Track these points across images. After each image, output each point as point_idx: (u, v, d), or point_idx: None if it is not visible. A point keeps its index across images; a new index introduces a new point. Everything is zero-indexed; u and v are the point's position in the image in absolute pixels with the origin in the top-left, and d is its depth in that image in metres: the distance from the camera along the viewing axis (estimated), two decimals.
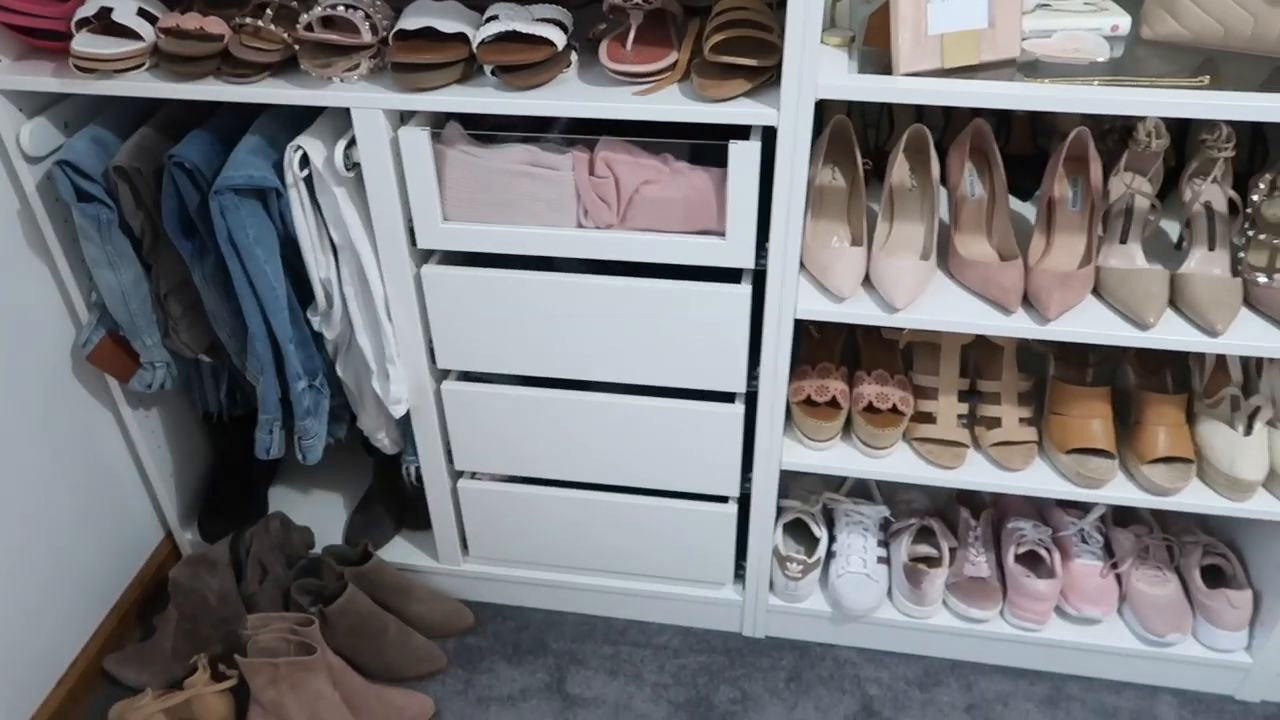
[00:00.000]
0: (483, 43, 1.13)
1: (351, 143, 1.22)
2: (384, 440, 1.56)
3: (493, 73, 1.17)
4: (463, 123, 1.26)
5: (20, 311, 1.38)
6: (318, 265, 1.33)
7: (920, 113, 1.50)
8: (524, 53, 1.13)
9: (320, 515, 1.78)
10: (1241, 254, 1.24)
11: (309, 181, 1.25)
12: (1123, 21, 1.15)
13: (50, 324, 1.45)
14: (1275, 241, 1.23)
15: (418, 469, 1.58)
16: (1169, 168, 1.37)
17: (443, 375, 1.46)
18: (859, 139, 1.38)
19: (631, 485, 1.50)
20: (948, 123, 1.50)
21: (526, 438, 1.47)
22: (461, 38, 1.16)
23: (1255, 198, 1.25)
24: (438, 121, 1.25)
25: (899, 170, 1.32)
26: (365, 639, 1.55)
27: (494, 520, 1.60)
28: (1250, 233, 1.24)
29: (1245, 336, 1.18)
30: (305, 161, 1.22)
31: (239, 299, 1.32)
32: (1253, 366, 1.38)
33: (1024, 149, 1.50)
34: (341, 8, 1.15)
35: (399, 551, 1.73)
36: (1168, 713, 1.52)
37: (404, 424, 1.53)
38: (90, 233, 1.30)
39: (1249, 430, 1.33)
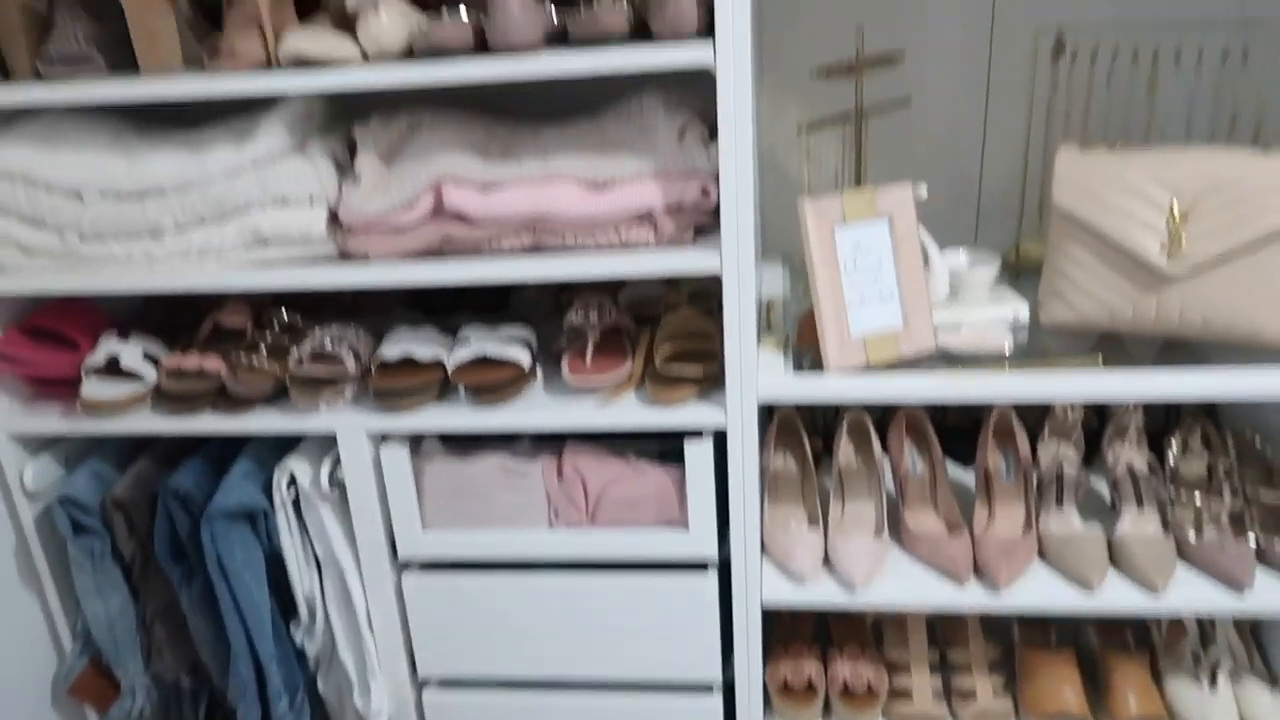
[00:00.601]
0: (457, 367, 1.26)
1: (336, 463, 1.31)
2: None
3: (466, 392, 1.28)
4: (439, 436, 1.37)
5: (5, 645, 1.40)
6: (302, 581, 1.37)
7: None
8: (494, 373, 1.26)
9: None
10: (1169, 511, 1.33)
11: (296, 502, 1.33)
12: (1021, 311, 1.31)
13: (35, 656, 1.46)
14: (1197, 499, 1.32)
15: None
16: (1093, 430, 1.49)
17: (423, 685, 1.46)
18: (807, 421, 1.49)
19: None
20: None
21: None
22: (437, 363, 1.29)
23: (1170, 459, 1.36)
24: (416, 437, 1.35)
25: (845, 453, 1.43)
26: None
27: None
28: (1173, 491, 1.34)
29: (1185, 592, 1.24)
30: (293, 482, 1.31)
31: (224, 620, 1.35)
32: (1209, 620, 1.43)
33: (961, 421, 1.62)
34: (329, 343, 1.28)
35: None
36: None
37: None
38: (83, 563, 1.35)
39: (1214, 685, 1.35)
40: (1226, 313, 1.14)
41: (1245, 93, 1.37)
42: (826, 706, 1.44)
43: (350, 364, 1.29)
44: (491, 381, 1.25)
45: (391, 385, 1.26)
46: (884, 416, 1.48)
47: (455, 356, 1.28)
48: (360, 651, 1.40)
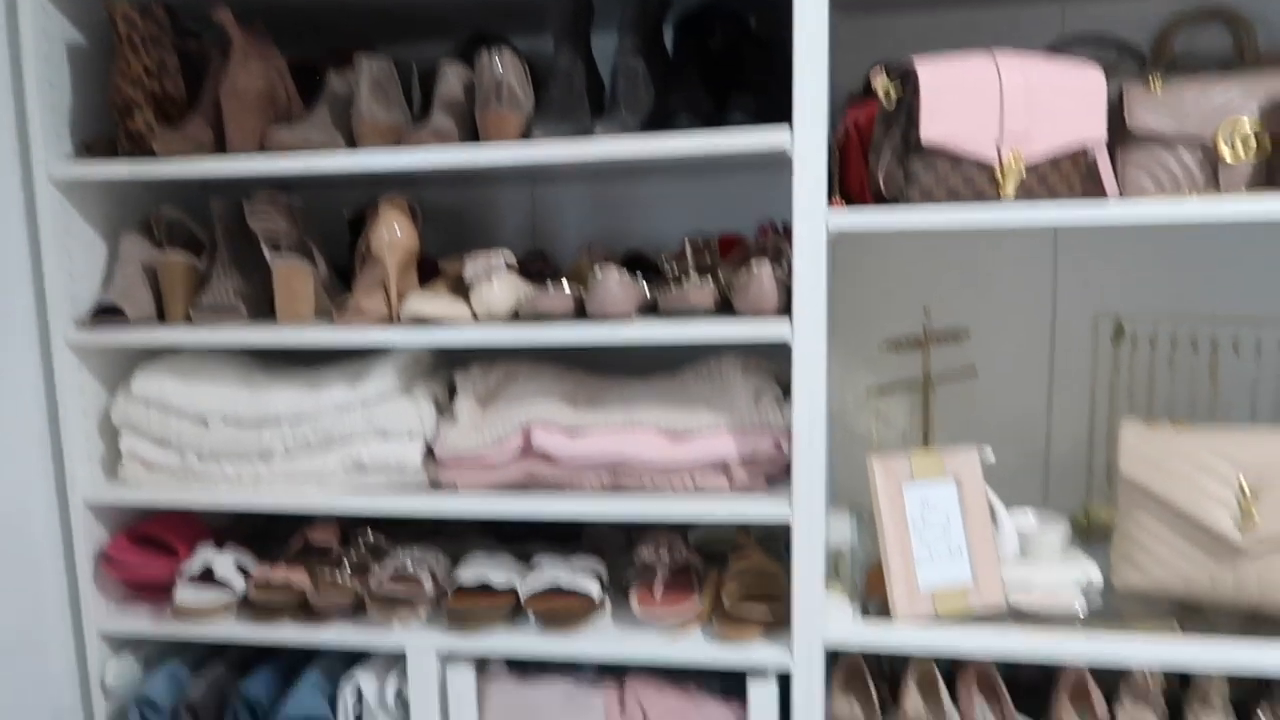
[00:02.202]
0: (530, 595, 1.29)
1: (402, 679, 1.33)
2: None
3: (536, 619, 1.31)
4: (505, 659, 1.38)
5: None
6: None
7: None
8: (565, 601, 1.29)
9: None
10: None
11: (359, 716, 1.34)
12: (1094, 573, 1.30)
13: None
14: None
15: None
16: (1175, 696, 1.43)
17: None
18: (873, 667, 1.47)
19: None
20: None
21: None
22: (511, 589, 1.32)
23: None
24: (481, 659, 1.36)
25: (913, 703, 1.40)
26: None
27: None
28: None
29: None
30: (359, 697, 1.33)
31: None
32: None
33: (1034, 677, 1.57)
34: (409, 564, 1.33)
35: None
36: None
37: None
38: None
39: None
40: None
41: None
42: None
43: (428, 585, 1.33)
44: (562, 610, 1.28)
45: (466, 608, 1.29)
46: (952, 669, 1.46)
47: (528, 584, 1.31)
48: None
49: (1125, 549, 1.24)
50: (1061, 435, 1.56)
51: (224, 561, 1.37)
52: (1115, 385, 1.48)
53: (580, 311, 1.19)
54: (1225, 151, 1.13)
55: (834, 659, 1.45)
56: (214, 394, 1.33)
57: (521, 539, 1.47)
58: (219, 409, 1.31)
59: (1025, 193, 1.13)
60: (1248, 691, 1.43)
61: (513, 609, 1.34)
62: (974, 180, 1.12)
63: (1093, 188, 1.14)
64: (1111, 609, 1.25)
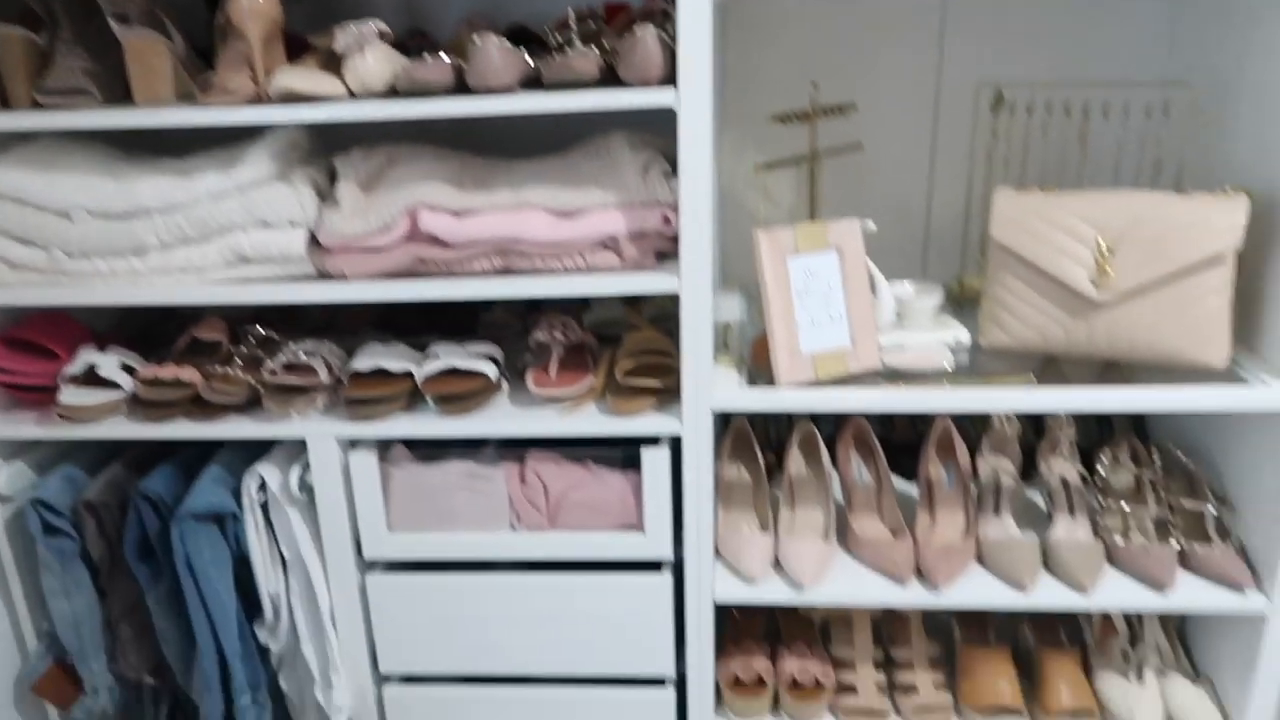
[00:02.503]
0: (426, 378, 1.31)
1: (306, 468, 1.36)
2: None
3: (434, 401, 1.34)
4: (405, 443, 1.42)
5: None
6: (268, 581, 1.41)
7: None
8: (462, 383, 1.32)
9: None
10: (1099, 518, 1.41)
11: (264, 505, 1.37)
12: (962, 335, 1.39)
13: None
14: (1124, 507, 1.41)
15: None
16: (1029, 445, 1.57)
17: (384, 680, 1.51)
18: (761, 436, 1.56)
19: None
20: (839, 418, 1.71)
21: None
22: (407, 374, 1.34)
23: (1101, 470, 1.45)
24: (384, 444, 1.40)
25: (795, 463, 1.50)
26: None
27: None
28: (1102, 500, 1.43)
29: (1113, 592, 1.33)
30: (263, 486, 1.35)
31: (190, 618, 1.39)
32: (1136, 618, 1.52)
33: (906, 436, 1.70)
34: (302, 355, 1.33)
35: None
36: None
37: None
38: (52, 564, 1.39)
39: (1141, 679, 1.44)
40: (1150, 335, 1.23)
41: (1167, 143, 1.47)
42: (775, 701, 1.51)
43: (323, 374, 1.33)
44: (459, 391, 1.31)
45: (363, 394, 1.31)
46: (833, 434, 1.56)
47: (425, 369, 1.33)
48: (323, 648, 1.44)
49: (991, 310, 1.32)
50: (941, 207, 1.62)
51: (108, 361, 1.34)
52: (993, 155, 1.52)
53: (461, 85, 1.14)
54: None
55: (724, 428, 1.54)
56: (75, 185, 1.24)
57: (416, 333, 1.47)
58: (82, 201, 1.24)
59: None
60: (1092, 440, 1.59)
61: (410, 395, 1.36)
62: None
63: None
64: (977, 367, 1.34)
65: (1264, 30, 1.27)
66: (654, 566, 1.40)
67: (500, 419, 1.32)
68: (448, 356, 1.33)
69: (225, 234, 1.26)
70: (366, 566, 1.44)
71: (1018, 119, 1.50)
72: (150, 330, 1.52)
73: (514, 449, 1.41)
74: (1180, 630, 1.53)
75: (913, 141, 1.60)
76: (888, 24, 1.54)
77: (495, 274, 1.25)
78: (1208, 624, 1.46)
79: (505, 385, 1.40)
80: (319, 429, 1.33)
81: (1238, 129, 1.34)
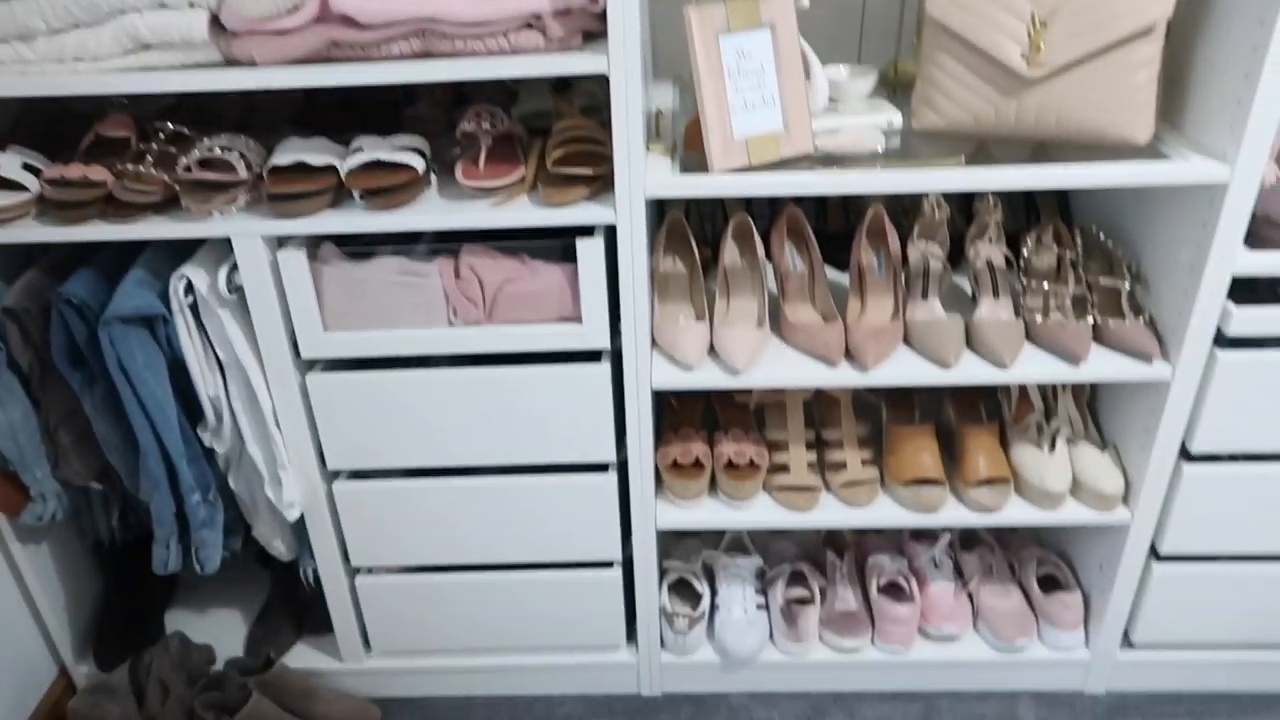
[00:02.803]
0: (350, 171, 1.27)
1: (233, 268, 1.33)
2: (280, 547, 1.62)
3: (360, 197, 1.30)
4: (336, 242, 1.39)
5: None
6: (206, 384, 1.41)
7: (749, 204, 1.70)
8: (388, 178, 1.28)
9: (220, 632, 1.81)
10: (1021, 299, 1.46)
11: (194, 307, 1.35)
12: (895, 118, 1.38)
13: None
14: (1045, 287, 1.45)
15: (315, 571, 1.64)
16: (958, 231, 1.60)
17: (333, 476, 1.54)
18: (697, 231, 1.56)
19: (522, 562, 1.61)
20: (774, 210, 1.71)
21: (417, 527, 1.56)
22: (330, 169, 1.29)
23: (1025, 252, 1.48)
24: (314, 242, 1.37)
25: (730, 253, 1.51)
26: None
27: (393, 613, 1.68)
28: (1025, 281, 1.47)
29: (1031, 367, 1.39)
30: (190, 289, 1.32)
31: (130, 421, 1.39)
32: (1050, 394, 1.60)
33: (839, 226, 1.72)
34: (218, 150, 1.27)
35: (302, 657, 1.77)
36: (1027, 713, 1.68)
37: (298, 529, 1.60)
38: None
39: (1053, 449, 1.53)
40: (1078, 111, 1.23)
41: None
42: (712, 483, 1.58)
43: (242, 170, 1.28)
44: (386, 185, 1.27)
45: (285, 190, 1.26)
46: (768, 227, 1.56)
47: (349, 162, 1.29)
48: (269, 448, 1.46)
49: (925, 91, 1.30)
50: None
51: (9, 161, 1.27)
52: None
53: None
54: None
55: (659, 220, 1.53)
56: None
57: (338, 129, 1.41)
58: None
59: None
60: (1019, 226, 1.61)
61: (336, 191, 1.32)
62: None
63: None
64: (910, 150, 1.34)
65: None
66: (593, 357, 1.42)
67: (430, 213, 1.30)
68: (372, 150, 1.29)
69: (119, 16, 1.17)
70: (306, 366, 1.45)
71: None
72: (52, 130, 1.43)
73: (448, 245, 1.39)
74: (1091, 403, 1.62)
75: None
76: None
77: (415, 57, 1.19)
78: (1116, 396, 1.55)
79: (434, 179, 1.36)
80: (243, 227, 1.29)
81: None
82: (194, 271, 1.32)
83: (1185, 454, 1.45)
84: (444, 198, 1.33)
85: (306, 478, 1.51)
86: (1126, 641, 1.66)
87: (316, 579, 1.65)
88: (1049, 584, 1.71)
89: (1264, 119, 1.17)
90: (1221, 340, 1.34)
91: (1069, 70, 1.21)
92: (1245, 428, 1.41)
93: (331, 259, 1.36)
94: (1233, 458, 1.46)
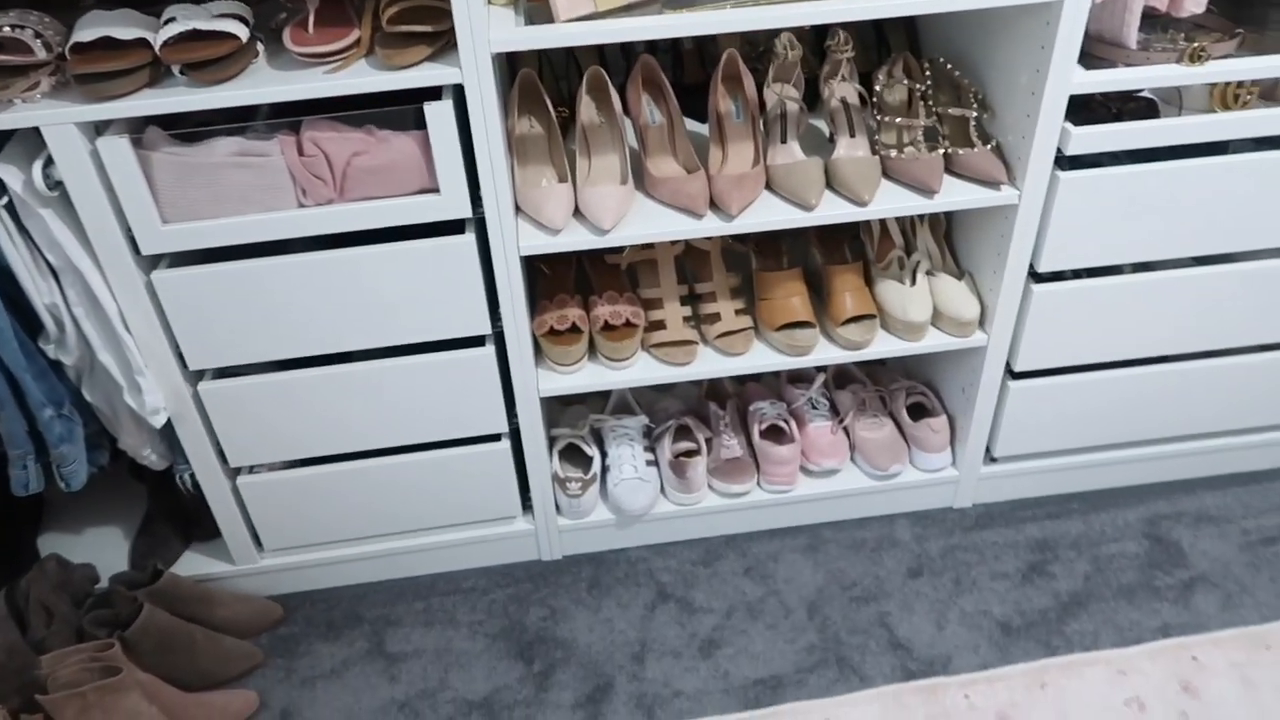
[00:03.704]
0: (165, 44, 1.17)
1: (49, 162, 1.22)
2: (151, 457, 1.56)
3: (181, 72, 1.20)
4: (163, 124, 1.29)
5: None
6: (39, 292, 1.32)
7: (603, 58, 1.65)
8: (209, 49, 1.18)
9: (101, 550, 1.75)
10: (876, 136, 1.48)
11: (10, 209, 1.24)
12: None
13: None
14: (898, 121, 1.47)
15: (192, 477, 1.59)
16: (814, 74, 1.60)
17: (198, 376, 1.48)
18: (552, 90, 1.51)
19: (408, 444, 1.59)
20: (629, 63, 1.67)
21: (295, 421, 1.52)
22: (143, 43, 1.19)
23: (878, 88, 1.49)
24: (138, 128, 1.27)
25: (586, 110, 1.47)
26: (173, 654, 1.56)
27: (281, 510, 1.65)
28: (879, 118, 1.48)
29: (888, 201, 1.42)
30: (2, 188, 1.21)
31: None
32: (909, 229, 1.64)
33: (696, 78, 1.69)
34: (7, 29, 1.15)
35: (193, 564, 1.73)
36: (904, 533, 1.79)
37: (168, 435, 1.54)
38: None
39: (914, 282, 1.59)
40: None
41: None
42: (591, 346, 1.58)
43: (40, 50, 1.16)
44: (207, 57, 1.18)
45: (93, 69, 1.16)
46: (624, 80, 1.52)
47: (162, 34, 1.18)
48: (121, 354, 1.39)
49: None
50: None
51: None
52: None
53: None
54: None
55: (510, 81, 1.47)
56: None
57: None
58: None
59: None
60: (872, 65, 1.62)
61: (152, 67, 1.22)
62: None
63: None
64: None
65: None
66: (457, 228, 1.38)
67: (261, 85, 1.21)
68: (187, 18, 1.19)
69: None
70: (150, 263, 1.36)
71: None
72: None
73: (289, 121, 1.31)
74: (948, 236, 1.68)
75: None
76: None
77: None
78: (970, 225, 1.60)
79: (260, 48, 1.27)
80: (51, 115, 1.18)
81: None
82: (4, 169, 1.21)
83: (1034, 275, 1.52)
84: (274, 67, 1.24)
85: (168, 381, 1.44)
86: (990, 457, 1.76)
87: (195, 484, 1.60)
88: (918, 411, 1.79)
89: None
90: (1063, 161, 1.39)
91: None
92: (1086, 246, 1.48)
93: (159, 144, 1.26)
94: (1076, 275, 1.54)
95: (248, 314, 1.39)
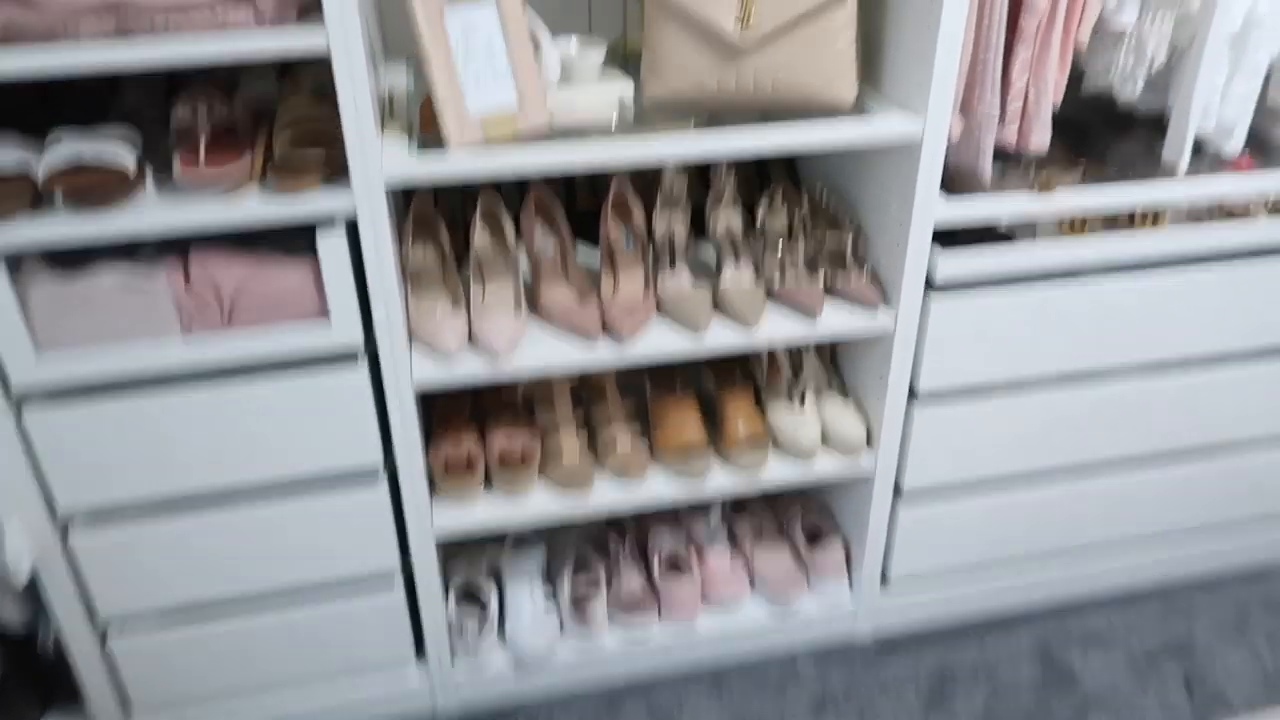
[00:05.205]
0: (49, 174, 1.15)
1: None
2: (8, 616, 1.44)
3: (62, 200, 1.18)
4: (46, 254, 1.25)
5: None
6: None
7: (497, 185, 1.70)
8: (94, 177, 1.17)
9: None
10: (761, 262, 1.55)
11: None
12: (627, 90, 1.41)
13: None
14: (780, 248, 1.55)
15: (56, 639, 1.47)
16: (700, 201, 1.66)
17: (67, 519, 1.39)
18: (446, 216, 1.54)
19: (296, 587, 1.51)
20: (522, 190, 1.71)
21: (175, 568, 1.43)
22: (23, 174, 1.17)
23: (760, 216, 1.57)
24: (13, 256, 1.23)
25: (481, 237, 1.50)
26: None
27: (155, 667, 1.52)
28: (763, 244, 1.56)
29: (774, 328, 1.47)
30: None
31: None
32: (797, 353, 1.70)
33: (588, 204, 1.75)
34: None
35: None
36: (808, 668, 1.76)
37: (29, 590, 1.43)
38: None
39: (803, 404, 1.63)
40: (789, 77, 1.32)
41: None
42: (488, 478, 1.56)
43: None
44: (93, 185, 1.17)
45: None
46: (519, 207, 1.57)
47: (46, 162, 1.17)
48: None
49: (651, 62, 1.35)
50: None
51: None
52: None
53: None
54: None
55: (405, 210, 1.50)
56: None
57: (34, 127, 1.28)
58: None
59: None
60: (752, 191, 1.71)
61: (34, 197, 1.20)
62: None
63: None
64: (643, 119, 1.39)
65: None
66: (348, 359, 1.36)
67: (147, 214, 1.20)
68: (72, 145, 1.18)
69: None
70: (20, 399, 1.29)
71: None
72: None
73: (176, 250, 1.29)
74: (834, 358, 1.74)
75: None
76: None
77: (109, 38, 1.10)
78: (853, 347, 1.67)
79: (149, 177, 1.27)
80: None
81: None
82: None
83: (914, 394, 1.58)
84: (162, 194, 1.24)
85: (35, 529, 1.35)
86: (885, 578, 1.77)
87: (58, 646, 1.48)
88: (814, 535, 1.80)
89: (945, 76, 1.30)
90: (933, 285, 1.48)
91: (778, 38, 1.30)
92: (963, 366, 1.55)
93: (38, 274, 1.23)
94: (955, 393, 1.61)
95: (126, 449, 1.33)
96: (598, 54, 1.42)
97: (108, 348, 1.27)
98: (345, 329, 1.32)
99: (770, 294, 1.52)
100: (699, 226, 1.61)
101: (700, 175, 1.74)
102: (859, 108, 1.38)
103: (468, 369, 1.39)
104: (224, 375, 1.33)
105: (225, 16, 1.11)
